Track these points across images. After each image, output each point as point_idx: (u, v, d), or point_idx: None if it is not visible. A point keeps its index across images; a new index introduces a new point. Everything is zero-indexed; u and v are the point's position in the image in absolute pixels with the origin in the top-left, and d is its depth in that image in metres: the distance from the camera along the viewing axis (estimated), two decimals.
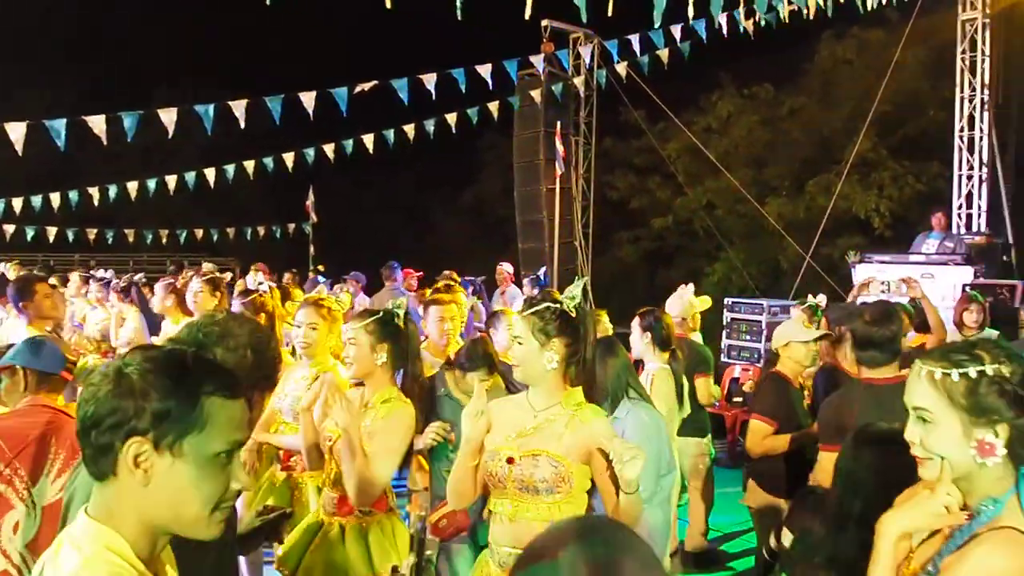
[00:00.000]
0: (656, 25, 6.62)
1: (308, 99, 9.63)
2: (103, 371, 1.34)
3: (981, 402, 1.58)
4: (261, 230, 17.19)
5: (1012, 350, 1.63)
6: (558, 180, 11.35)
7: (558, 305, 2.64)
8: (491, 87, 10.43)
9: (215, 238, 17.02)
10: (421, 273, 10.57)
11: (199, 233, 16.76)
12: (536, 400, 2.68)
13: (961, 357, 1.62)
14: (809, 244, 13.38)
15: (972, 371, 1.59)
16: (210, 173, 12.28)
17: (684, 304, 5.83)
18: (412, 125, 11.61)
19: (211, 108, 9.43)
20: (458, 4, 5.80)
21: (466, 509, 3.14)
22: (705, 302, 6.14)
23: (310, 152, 12.04)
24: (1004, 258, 10.63)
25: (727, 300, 10.50)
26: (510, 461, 2.57)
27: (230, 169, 12.31)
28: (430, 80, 9.85)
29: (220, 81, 17.10)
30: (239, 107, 9.45)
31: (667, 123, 16.63)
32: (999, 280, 9.04)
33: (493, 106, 11.95)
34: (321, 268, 14.69)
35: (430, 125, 11.68)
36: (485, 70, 10.26)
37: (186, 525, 1.35)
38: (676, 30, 11.00)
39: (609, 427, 2.65)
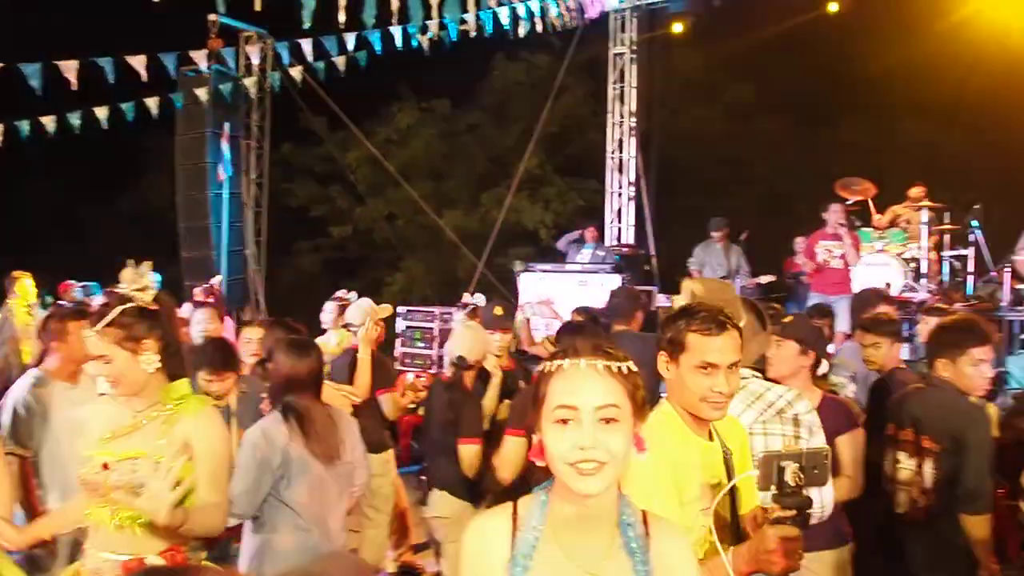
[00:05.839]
0: (305, 26, 6.41)
1: None
2: None
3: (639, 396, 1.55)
4: None
5: None
6: (225, 185, 10.70)
7: (131, 304, 2.43)
8: (145, 81, 9.54)
9: None
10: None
11: None
12: (135, 401, 2.49)
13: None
14: (483, 254, 13.89)
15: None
16: None
17: (363, 312, 5.66)
18: (52, 117, 10.28)
19: None
20: None
21: None
22: (386, 309, 6.03)
23: None
24: (646, 267, 11.81)
25: (400, 308, 10.61)
26: (106, 467, 2.39)
27: None
28: (70, 68, 8.79)
29: None
30: None
31: (348, 132, 16.46)
32: (641, 286, 9.99)
33: (152, 102, 10.99)
34: None
35: (75, 119, 10.42)
36: (138, 62, 9.37)
37: None
38: (350, 38, 10.83)
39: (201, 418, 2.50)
